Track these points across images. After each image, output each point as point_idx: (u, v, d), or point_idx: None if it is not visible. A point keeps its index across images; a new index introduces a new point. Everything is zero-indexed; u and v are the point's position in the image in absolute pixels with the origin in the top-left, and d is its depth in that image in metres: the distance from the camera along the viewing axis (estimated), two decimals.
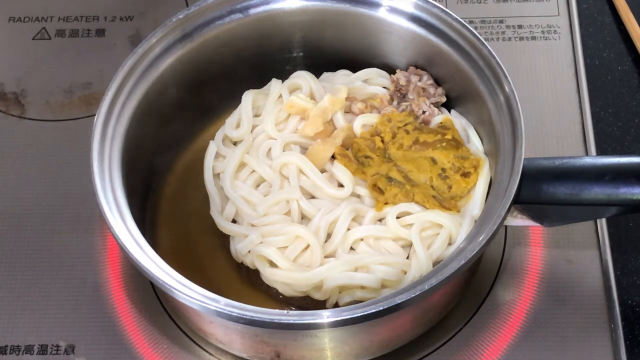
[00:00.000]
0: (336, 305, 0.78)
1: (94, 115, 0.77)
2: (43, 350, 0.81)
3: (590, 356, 0.79)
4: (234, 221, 0.82)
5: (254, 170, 0.83)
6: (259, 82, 0.88)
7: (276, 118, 0.84)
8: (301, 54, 0.89)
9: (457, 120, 0.84)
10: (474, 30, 0.79)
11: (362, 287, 0.77)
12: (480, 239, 0.70)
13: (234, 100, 0.87)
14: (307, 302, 0.79)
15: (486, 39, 0.92)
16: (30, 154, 0.92)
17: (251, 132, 0.85)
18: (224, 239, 0.83)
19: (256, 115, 0.86)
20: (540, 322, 0.81)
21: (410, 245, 0.78)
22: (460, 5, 1.02)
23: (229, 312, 0.68)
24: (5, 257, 0.86)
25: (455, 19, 0.80)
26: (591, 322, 0.81)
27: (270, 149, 0.83)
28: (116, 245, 0.85)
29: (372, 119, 0.84)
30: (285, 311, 0.69)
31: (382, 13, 0.84)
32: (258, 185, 0.83)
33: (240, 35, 0.85)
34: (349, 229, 0.78)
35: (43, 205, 0.89)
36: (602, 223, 0.86)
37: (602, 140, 0.93)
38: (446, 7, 0.81)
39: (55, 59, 1.00)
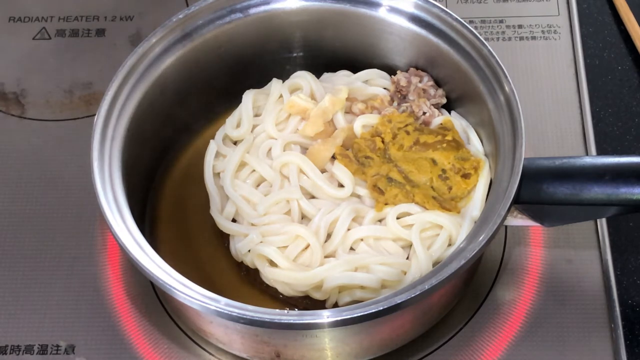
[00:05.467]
0: (336, 305, 0.78)
1: (94, 115, 0.77)
2: (43, 350, 0.81)
3: (590, 356, 0.79)
4: (234, 220, 0.82)
5: (254, 170, 0.83)
6: (259, 82, 0.88)
7: (276, 118, 0.84)
8: (301, 54, 0.90)
9: (457, 121, 0.84)
10: (474, 30, 0.79)
11: (362, 287, 0.77)
12: (480, 239, 0.70)
13: (234, 100, 0.87)
14: (306, 302, 0.79)
15: (486, 39, 0.92)
16: (30, 154, 0.92)
17: (251, 131, 0.85)
18: (224, 239, 0.83)
19: (256, 115, 0.86)
20: (540, 322, 0.81)
21: (410, 245, 0.78)
22: (460, 5, 1.02)
23: (229, 312, 0.68)
24: (5, 257, 0.86)
25: (455, 19, 0.80)
26: (591, 322, 0.81)
27: (270, 149, 0.83)
28: (116, 245, 0.85)
29: (372, 119, 0.84)
30: (285, 311, 0.69)
31: (382, 13, 0.84)
32: (258, 185, 0.83)
33: (240, 35, 0.85)
34: (349, 229, 0.78)
35: (43, 205, 0.89)
36: (602, 223, 0.86)
37: (602, 140, 0.93)
38: (446, 7, 0.81)
39: (55, 59, 1.00)
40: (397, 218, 0.78)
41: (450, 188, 0.79)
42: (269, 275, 0.78)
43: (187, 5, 0.96)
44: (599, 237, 0.85)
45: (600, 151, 0.91)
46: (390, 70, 0.88)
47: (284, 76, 0.87)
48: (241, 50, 0.87)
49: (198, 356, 0.81)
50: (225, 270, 0.83)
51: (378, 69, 0.88)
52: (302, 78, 0.86)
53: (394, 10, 0.83)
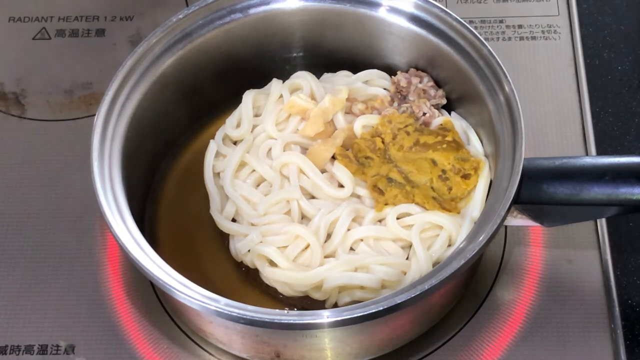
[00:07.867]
0: (335, 305, 0.78)
1: (94, 115, 0.77)
2: (43, 350, 0.81)
3: (590, 356, 0.79)
4: (233, 220, 0.82)
5: (254, 170, 0.83)
6: (259, 82, 0.88)
7: (277, 118, 0.84)
8: (301, 54, 0.90)
9: (457, 122, 0.84)
10: (474, 30, 0.79)
11: (362, 288, 0.77)
12: (480, 239, 0.70)
13: (234, 100, 0.87)
14: (306, 302, 0.79)
15: (486, 39, 0.92)
16: (30, 154, 0.92)
17: (251, 131, 0.85)
18: (224, 238, 0.83)
19: (256, 115, 0.86)
20: (540, 322, 0.81)
21: (410, 246, 0.78)
22: (460, 5, 1.02)
23: (229, 312, 0.68)
24: (5, 257, 0.86)
25: (455, 19, 0.80)
26: (591, 322, 0.81)
27: (270, 149, 0.83)
28: (116, 245, 0.85)
29: (372, 120, 0.84)
30: (285, 311, 0.69)
31: (382, 13, 0.84)
32: (258, 185, 0.83)
33: (240, 35, 0.85)
34: (349, 229, 0.78)
35: (43, 205, 0.89)
36: (602, 223, 0.86)
37: (602, 140, 0.93)
38: (446, 7, 0.81)
39: (55, 59, 1.00)
40: (397, 218, 0.78)
41: (450, 188, 0.79)
42: (269, 275, 0.78)
43: (187, 5, 0.96)
44: (599, 237, 0.85)
45: (600, 151, 0.91)
46: (390, 71, 0.88)
47: (284, 76, 0.87)
48: (241, 50, 0.87)
49: (198, 356, 0.81)
50: (225, 270, 0.82)
51: (378, 69, 0.88)
52: (302, 78, 0.86)
53: (394, 10, 0.83)
